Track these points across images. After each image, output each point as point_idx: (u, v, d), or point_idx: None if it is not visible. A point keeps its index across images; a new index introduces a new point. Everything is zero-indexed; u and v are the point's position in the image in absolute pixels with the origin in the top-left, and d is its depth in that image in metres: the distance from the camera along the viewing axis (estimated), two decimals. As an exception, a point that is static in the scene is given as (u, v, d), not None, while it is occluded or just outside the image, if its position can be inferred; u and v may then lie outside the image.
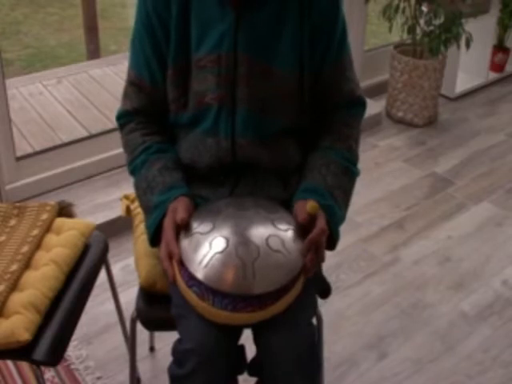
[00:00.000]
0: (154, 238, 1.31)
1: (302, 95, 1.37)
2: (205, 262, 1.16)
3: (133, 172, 1.40)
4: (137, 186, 1.38)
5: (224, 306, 1.16)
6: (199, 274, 1.16)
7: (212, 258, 1.16)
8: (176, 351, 1.25)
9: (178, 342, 1.25)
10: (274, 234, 1.20)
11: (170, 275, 1.22)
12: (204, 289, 1.16)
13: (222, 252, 1.16)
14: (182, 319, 1.27)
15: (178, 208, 1.27)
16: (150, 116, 1.41)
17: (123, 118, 1.43)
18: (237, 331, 1.29)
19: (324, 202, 1.29)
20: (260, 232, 1.20)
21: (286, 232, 1.21)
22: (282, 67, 1.33)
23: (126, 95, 1.43)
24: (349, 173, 1.39)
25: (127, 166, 1.42)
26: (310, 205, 1.22)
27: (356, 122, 1.45)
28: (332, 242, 1.31)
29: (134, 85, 1.40)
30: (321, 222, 1.23)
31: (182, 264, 1.20)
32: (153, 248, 1.35)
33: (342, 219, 1.36)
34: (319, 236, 1.21)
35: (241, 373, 1.33)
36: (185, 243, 1.20)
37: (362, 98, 1.45)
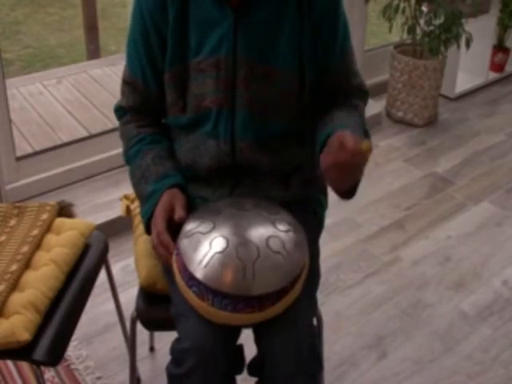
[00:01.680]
0: (149, 226, 1.33)
1: (302, 96, 1.37)
2: (205, 261, 1.16)
3: (128, 161, 1.43)
4: (132, 175, 1.41)
5: (223, 306, 1.16)
6: (199, 274, 1.16)
7: (212, 258, 1.16)
8: (174, 350, 1.25)
9: (177, 342, 1.25)
10: (275, 234, 1.20)
11: (165, 260, 1.25)
12: (204, 289, 1.16)
13: (221, 252, 1.16)
14: (181, 318, 1.27)
15: (176, 204, 1.28)
16: (144, 112, 1.44)
17: (119, 111, 1.48)
18: (235, 331, 1.29)
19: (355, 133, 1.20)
20: (260, 233, 1.19)
21: (286, 233, 1.21)
22: (282, 68, 1.32)
23: (122, 92, 1.46)
24: (364, 131, 1.33)
25: (123, 155, 1.46)
26: (367, 143, 1.11)
27: (363, 104, 1.44)
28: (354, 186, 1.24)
29: (128, 84, 1.43)
30: (353, 144, 1.10)
31: (181, 263, 1.20)
32: (148, 236, 1.36)
33: None
34: (351, 158, 1.10)
35: (239, 373, 1.33)
36: (185, 242, 1.20)
37: (367, 90, 1.45)
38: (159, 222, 1.26)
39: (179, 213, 1.26)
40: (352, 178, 1.18)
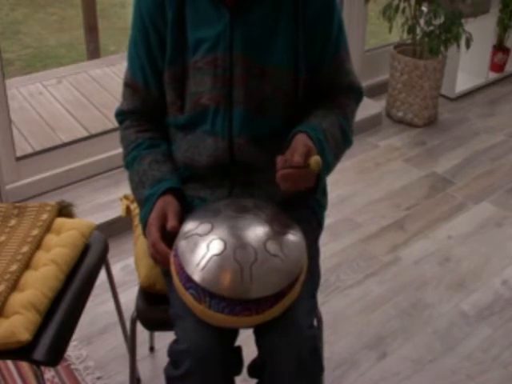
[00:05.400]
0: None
1: (297, 94, 1.37)
2: (202, 264, 1.15)
3: (127, 167, 1.44)
4: (131, 181, 1.42)
5: (220, 309, 1.15)
6: (196, 277, 1.15)
7: (209, 260, 1.15)
8: (172, 352, 1.25)
9: (174, 343, 1.25)
10: (273, 237, 1.19)
11: (163, 266, 1.26)
12: (201, 291, 1.16)
13: (219, 254, 1.16)
14: (179, 320, 1.27)
15: (168, 212, 1.28)
16: (144, 115, 1.45)
17: (120, 116, 1.48)
18: (233, 332, 1.29)
19: (315, 134, 1.28)
20: (258, 235, 1.19)
21: (284, 236, 1.21)
22: (277, 66, 1.33)
23: (123, 95, 1.47)
24: (344, 133, 1.38)
25: (122, 160, 1.46)
26: (315, 159, 1.20)
27: (354, 103, 1.45)
28: (316, 182, 1.29)
29: (128, 86, 1.44)
30: (297, 161, 1.19)
31: (179, 265, 1.19)
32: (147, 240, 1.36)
33: (328, 166, 1.33)
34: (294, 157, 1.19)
35: (238, 374, 1.33)
36: (183, 244, 1.20)
37: (361, 87, 1.46)
38: (153, 231, 1.26)
39: (171, 223, 1.26)
40: (300, 187, 1.24)
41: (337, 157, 1.37)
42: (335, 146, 1.34)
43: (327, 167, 1.32)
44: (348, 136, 1.41)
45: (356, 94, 1.45)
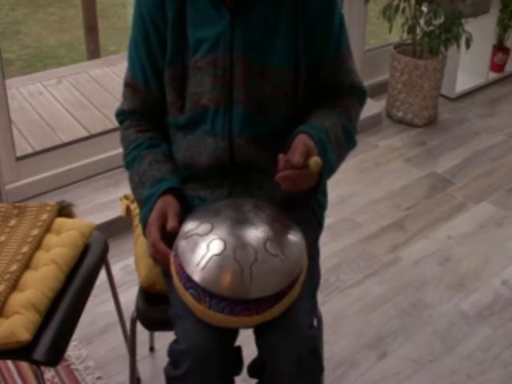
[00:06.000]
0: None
1: (297, 94, 1.37)
2: (202, 264, 1.15)
3: (127, 167, 1.44)
4: (131, 181, 1.41)
5: (220, 309, 1.15)
6: (196, 277, 1.15)
7: (209, 260, 1.15)
8: (172, 352, 1.25)
9: (174, 343, 1.25)
10: (273, 237, 1.19)
11: (163, 266, 1.26)
12: (201, 291, 1.16)
13: (219, 255, 1.15)
14: (179, 320, 1.27)
15: (168, 212, 1.28)
16: (144, 115, 1.45)
17: (120, 116, 1.48)
18: (233, 332, 1.29)
19: (317, 134, 1.27)
20: (258, 235, 1.19)
21: (284, 236, 1.21)
22: (277, 66, 1.33)
23: (123, 95, 1.47)
24: (347, 133, 1.38)
25: (122, 160, 1.46)
26: (314, 160, 1.19)
27: (357, 104, 1.45)
28: (318, 182, 1.28)
29: (129, 86, 1.44)
30: (296, 162, 1.18)
31: (179, 265, 1.19)
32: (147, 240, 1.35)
33: (331, 165, 1.32)
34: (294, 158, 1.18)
35: (238, 374, 1.33)
36: (183, 244, 1.20)
37: (363, 87, 1.46)
38: (153, 231, 1.26)
39: (171, 223, 1.26)
40: (301, 187, 1.23)
41: (340, 157, 1.37)
42: (338, 146, 1.34)
43: (330, 167, 1.32)
44: (352, 136, 1.40)
45: (358, 94, 1.45)
